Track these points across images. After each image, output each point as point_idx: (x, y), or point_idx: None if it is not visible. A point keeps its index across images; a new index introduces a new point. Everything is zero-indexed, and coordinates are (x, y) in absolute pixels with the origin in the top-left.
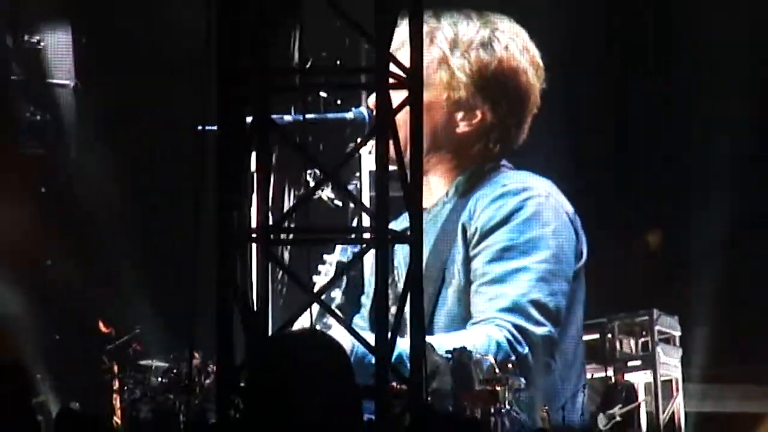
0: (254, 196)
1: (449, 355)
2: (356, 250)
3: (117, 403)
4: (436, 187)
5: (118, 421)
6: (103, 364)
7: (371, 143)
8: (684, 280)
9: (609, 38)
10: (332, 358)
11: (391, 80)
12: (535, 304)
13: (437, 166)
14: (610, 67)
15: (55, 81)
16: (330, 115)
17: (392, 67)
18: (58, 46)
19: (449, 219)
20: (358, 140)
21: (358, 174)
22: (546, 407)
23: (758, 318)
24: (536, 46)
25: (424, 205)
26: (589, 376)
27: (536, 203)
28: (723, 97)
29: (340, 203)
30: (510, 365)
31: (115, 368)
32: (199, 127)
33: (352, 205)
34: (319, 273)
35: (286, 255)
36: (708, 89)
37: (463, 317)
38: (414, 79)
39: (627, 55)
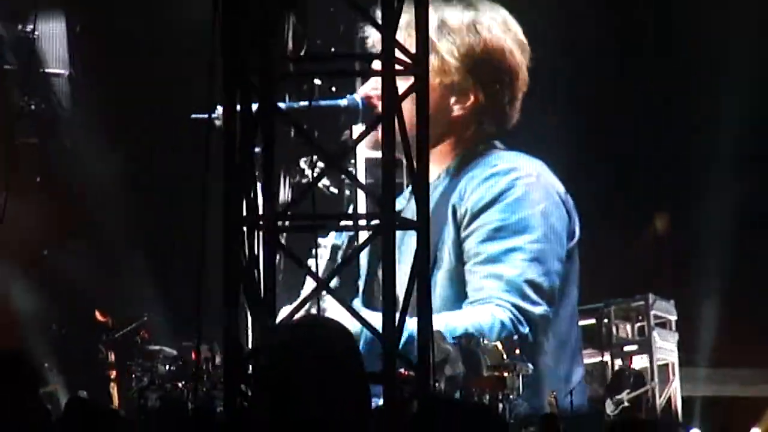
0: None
1: (456, 342)
2: (351, 234)
3: (114, 392)
4: (432, 170)
5: (115, 407)
6: (100, 353)
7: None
8: (685, 277)
9: (609, 35)
10: (340, 345)
11: (397, 66)
12: (531, 284)
13: (433, 150)
14: (611, 64)
15: (49, 70)
16: (323, 102)
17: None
18: (52, 35)
19: (440, 201)
20: (364, 128)
21: (353, 161)
22: (554, 392)
23: (759, 308)
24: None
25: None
26: (587, 360)
27: (525, 183)
28: (723, 96)
29: (335, 190)
30: (517, 350)
31: (112, 357)
32: (205, 115)
33: (347, 192)
34: (314, 256)
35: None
36: (708, 89)
37: (455, 299)
38: (420, 65)
39: (627, 53)
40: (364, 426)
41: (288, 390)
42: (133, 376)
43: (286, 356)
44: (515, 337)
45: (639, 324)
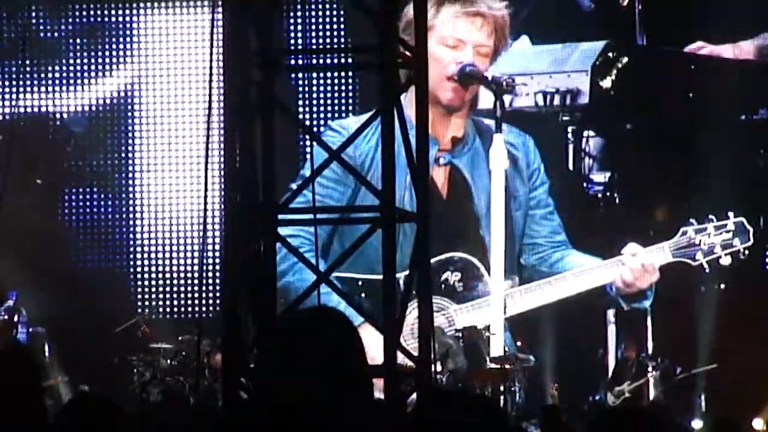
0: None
1: (459, 334)
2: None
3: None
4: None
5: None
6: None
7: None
8: None
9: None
10: (341, 338)
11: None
12: None
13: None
14: None
15: None
16: None
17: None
18: None
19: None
20: (363, 120)
21: None
22: (556, 385)
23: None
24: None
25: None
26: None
27: None
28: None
29: None
30: (519, 342)
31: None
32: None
33: None
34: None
35: None
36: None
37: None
38: (419, 58)
39: None
40: (364, 421)
41: (287, 385)
42: (135, 371)
43: (286, 350)
44: None
45: None
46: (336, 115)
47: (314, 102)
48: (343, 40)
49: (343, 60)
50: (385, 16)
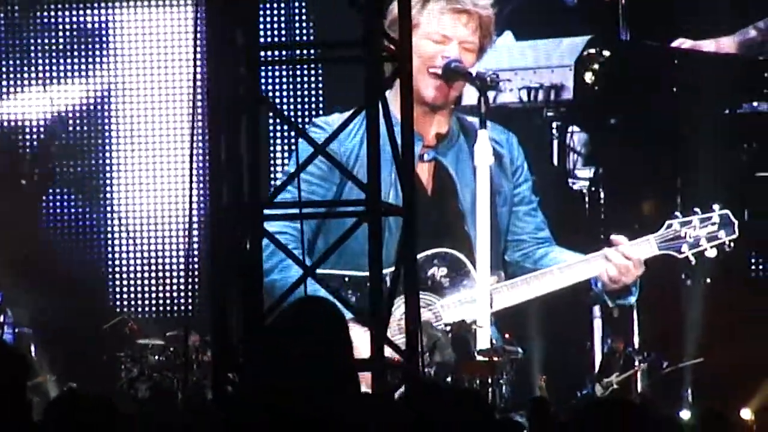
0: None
1: (447, 328)
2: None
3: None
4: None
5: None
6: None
7: None
8: None
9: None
10: (327, 332)
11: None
12: None
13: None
14: None
15: None
16: None
17: None
18: None
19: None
20: (348, 114)
21: None
22: (544, 377)
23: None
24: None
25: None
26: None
27: None
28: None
29: None
30: (507, 335)
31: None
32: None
33: None
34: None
35: None
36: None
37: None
38: (403, 51)
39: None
40: (350, 415)
41: (276, 386)
42: (123, 367)
43: (274, 350)
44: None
45: None
46: (314, 112)
47: (299, 97)
48: (317, 34)
49: (327, 54)
50: (370, 11)
